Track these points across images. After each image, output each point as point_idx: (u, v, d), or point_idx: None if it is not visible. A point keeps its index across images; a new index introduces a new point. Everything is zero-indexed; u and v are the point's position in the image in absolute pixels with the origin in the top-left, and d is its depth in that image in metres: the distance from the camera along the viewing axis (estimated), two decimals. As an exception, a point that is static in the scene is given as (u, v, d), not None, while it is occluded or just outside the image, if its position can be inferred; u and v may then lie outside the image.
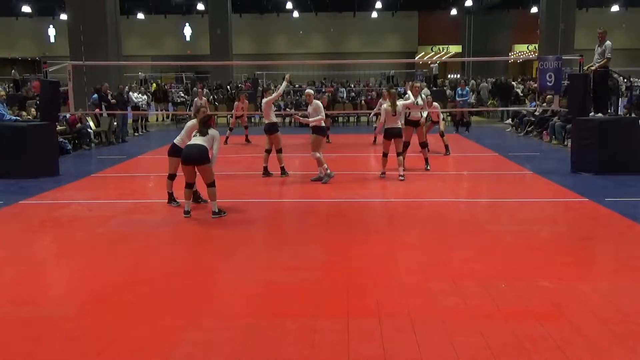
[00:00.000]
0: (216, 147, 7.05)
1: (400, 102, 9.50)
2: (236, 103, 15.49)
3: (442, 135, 12.43)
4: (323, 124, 9.18)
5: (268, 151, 9.84)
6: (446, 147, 12.31)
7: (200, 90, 18.71)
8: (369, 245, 5.85)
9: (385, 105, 9.38)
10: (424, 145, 10.45)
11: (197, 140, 6.98)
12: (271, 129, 9.79)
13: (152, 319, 4.11)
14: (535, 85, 22.38)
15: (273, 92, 10.54)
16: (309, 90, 9.79)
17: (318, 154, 9.09)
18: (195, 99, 16.55)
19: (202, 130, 7.04)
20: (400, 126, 9.42)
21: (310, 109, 9.16)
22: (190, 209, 7.17)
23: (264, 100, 10.21)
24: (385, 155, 9.48)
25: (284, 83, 10.70)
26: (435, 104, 12.57)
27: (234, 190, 8.93)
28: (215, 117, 8.53)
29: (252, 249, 5.83)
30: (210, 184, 7.03)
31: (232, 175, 10.07)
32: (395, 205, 7.98)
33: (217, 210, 7.06)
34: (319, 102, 9.20)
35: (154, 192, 9.11)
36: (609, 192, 8.15)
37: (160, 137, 16.83)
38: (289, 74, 13.56)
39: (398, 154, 9.52)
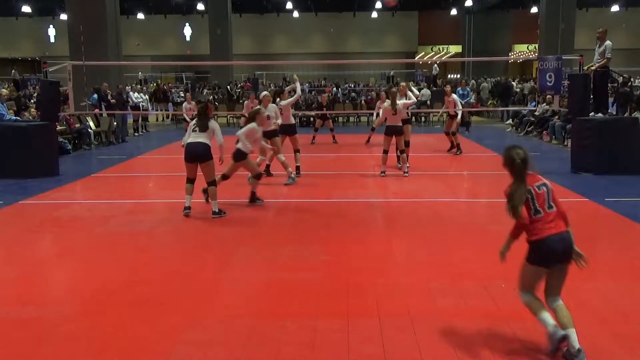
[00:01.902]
0: (220, 136, 7.00)
1: (400, 101, 9.62)
2: (246, 102, 14.57)
3: (453, 134, 12.54)
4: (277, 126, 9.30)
5: (276, 152, 9.81)
6: (457, 145, 12.43)
7: (189, 94, 17.74)
8: (369, 245, 5.85)
9: (386, 103, 9.55)
10: (407, 144, 10.54)
11: (198, 137, 6.94)
12: (292, 129, 9.85)
13: (152, 319, 4.11)
14: (527, 84, 22.44)
15: (287, 95, 10.45)
16: (265, 93, 9.91)
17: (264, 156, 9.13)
18: (184, 103, 15.88)
19: (202, 124, 6.96)
20: (400, 124, 9.55)
21: (267, 112, 9.12)
22: (191, 205, 7.15)
23: (284, 102, 10.04)
24: (385, 152, 9.60)
25: (298, 84, 10.63)
26: (454, 96, 12.81)
27: (234, 190, 8.93)
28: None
29: (252, 249, 5.83)
30: (211, 183, 7.03)
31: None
32: (395, 205, 7.97)
33: (217, 210, 7.05)
34: (275, 106, 9.38)
35: (154, 192, 9.11)
36: (609, 192, 8.15)
37: (160, 137, 16.84)
38: (295, 74, 13.44)
39: (401, 152, 9.73)
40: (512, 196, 3.49)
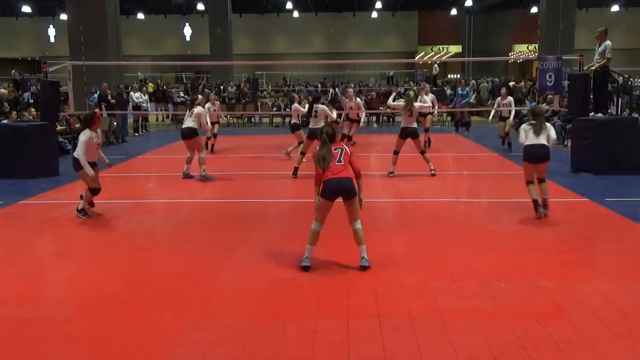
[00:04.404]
0: (78, 149, 6.95)
1: (417, 103, 9.72)
2: (208, 105, 12.21)
3: (507, 134, 12.87)
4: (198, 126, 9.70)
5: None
6: (509, 144, 12.72)
7: (213, 95, 15.11)
8: (369, 245, 5.82)
9: (402, 102, 9.58)
10: (349, 138, 11.19)
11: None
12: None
13: (152, 319, 4.11)
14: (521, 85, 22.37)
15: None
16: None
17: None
18: (208, 104, 12.84)
19: (78, 134, 7.20)
20: (415, 126, 9.58)
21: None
22: (84, 208, 7.13)
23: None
24: (396, 153, 9.61)
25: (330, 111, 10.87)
26: (509, 98, 13.05)
27: (234, 190, 8.94)
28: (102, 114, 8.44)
29: (252, 249, 5.83)
30: (89, 189, 7.07)
31: (231, 175, 10.09)
32: (395, 205, 7.97)
33: (80, 208, 7.10)
34: (202, 109, 9.97)
35: (154, 192, 9.11)
36: (609, 192, 8.15)
37: (160, 138, 16.85)
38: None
39: (422, 153, 9.71)
40: (318, 153, 5.05)
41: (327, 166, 4.98)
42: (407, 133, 9.44)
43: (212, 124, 12.39)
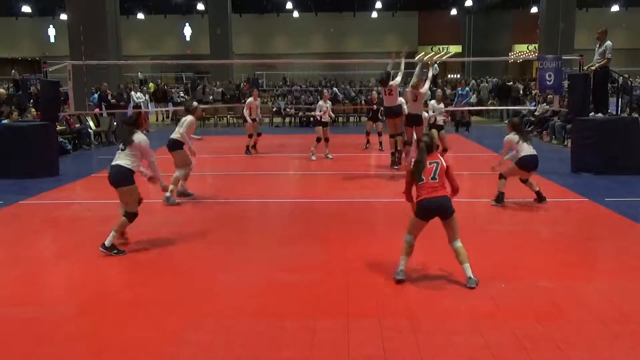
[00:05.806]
0: (150, 155, 5.80)
1: (425, 87, 9.52)
2: (249, 100, 12.53)
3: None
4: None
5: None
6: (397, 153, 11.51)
7: (256, 90, 14.27)
8: (369, 246, 5.85)
9: (408, 88, 9.55)
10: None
11: (118, 158, 5.73)
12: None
13: (153, 319, 4.11)
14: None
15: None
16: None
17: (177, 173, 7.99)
18: (250, 99, 12.76)
19: (126, 139, 5.66)
20: (421, 113, 9.41)
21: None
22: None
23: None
24: (409, 143, 9.53)
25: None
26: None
27: (235, 190, 8.94)
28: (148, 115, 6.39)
29: (252, 249, 5.83)
30: (127, 214, 5.71)
31: (231, 175, 10.08)
32: (395, 205, 7.96)
33: (108, 245, 5.59)
34: (191, 118, 8.04)
35: (154, 192, 9.10)
36: (609, 192, 8.15)
37: (160, 137, 16.79)
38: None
39: (409, 144, 9.49)
40: (414, 166, 4.71)
41: (422, 183, 4.64)
42: (412, 120, 9.30)
43: (253, 120, 12.47)
